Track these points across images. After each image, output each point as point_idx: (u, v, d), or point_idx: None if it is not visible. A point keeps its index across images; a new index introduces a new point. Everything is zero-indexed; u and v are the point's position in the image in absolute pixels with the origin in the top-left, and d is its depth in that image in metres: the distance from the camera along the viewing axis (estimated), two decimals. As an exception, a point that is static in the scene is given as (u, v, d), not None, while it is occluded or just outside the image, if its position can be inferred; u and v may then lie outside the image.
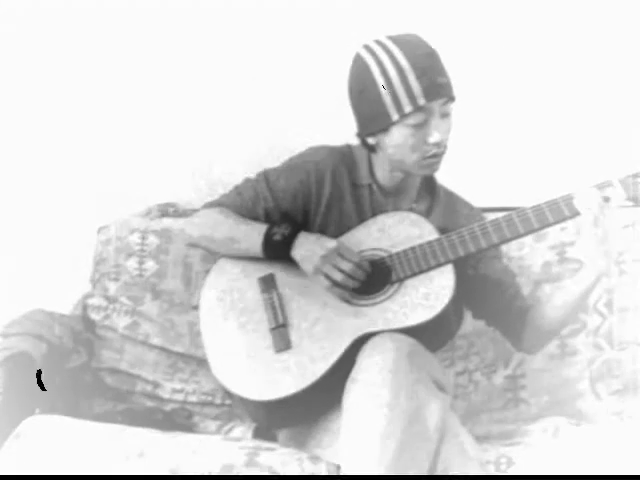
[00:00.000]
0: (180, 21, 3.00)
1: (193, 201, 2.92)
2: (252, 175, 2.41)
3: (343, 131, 2.35)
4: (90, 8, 2.99)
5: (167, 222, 2.84)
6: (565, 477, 2.12)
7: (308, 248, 2.25)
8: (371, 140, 2.28)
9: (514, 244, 2.63)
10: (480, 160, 2.93)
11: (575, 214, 2.15)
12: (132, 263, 2.81)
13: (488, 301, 2.40)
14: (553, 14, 2.91)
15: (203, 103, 3.03)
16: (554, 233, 2.71)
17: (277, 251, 2.29)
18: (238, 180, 2.42)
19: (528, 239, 2.65)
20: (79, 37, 3.00)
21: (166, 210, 2.87)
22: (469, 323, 2.46)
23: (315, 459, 2.18)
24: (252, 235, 2.31)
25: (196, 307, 2.47)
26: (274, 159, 2.44)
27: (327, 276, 2.22)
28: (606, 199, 2.11)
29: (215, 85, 3.02)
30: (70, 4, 2.99)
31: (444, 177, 2.38)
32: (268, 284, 2.32)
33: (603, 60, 2.91)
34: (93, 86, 3.02)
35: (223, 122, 3.03)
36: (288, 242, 2.27)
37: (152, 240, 2.82)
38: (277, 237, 2.28)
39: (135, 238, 2.82)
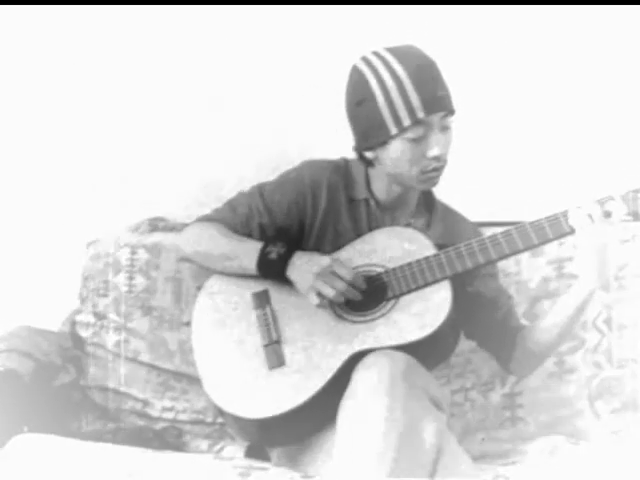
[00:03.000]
0: (178, 33, 2.98)
1: (185, 214, 2.88)
2: (246, 189, 2.39)
3: (345, 142, 2.32)
4: (92, 27, 2.98)
5: (157, 237, 2.80)
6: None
7: (303, 267, 2.23)
8: (369, 154, 2.26)
9: (511, 259, 2.60)
10: (479, 173, 2.92)
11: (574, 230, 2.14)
12: (121, 279, 2.77)
13: (481, 319, 2.38)
14: (554, 27, 2.91)
15: (197, 115, 3.01)
16: (552, 248, 2.68)
17: (272, 270, 2.26)
18: (232, 193, 2.40)
19: (525, 254, 2.63)
20: (76, 44, 2.98)
21: (156, 224, 2.84)
22: (465, 340, 2.44)
23: (308, 478, 2.16)
24: (246, 253, 2.29)
25: (187, 323, 2.45)
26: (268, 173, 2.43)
27: (320, 294, 2.20)
28: (607, 214, 2.10)
29: (210, 96, 3.00)
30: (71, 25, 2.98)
31: (441, 191, 2.36)
32: (262, 300, 2.29)
33: (604, 74, 2.90)
34: (84, 98, 2.99)
35: (220, 133, 3.01)
36: (283, 261, 2.25)
37: (142, 255, 2.78)
38: (272, 256, 2.26)
39: (124, 253, 2.78)
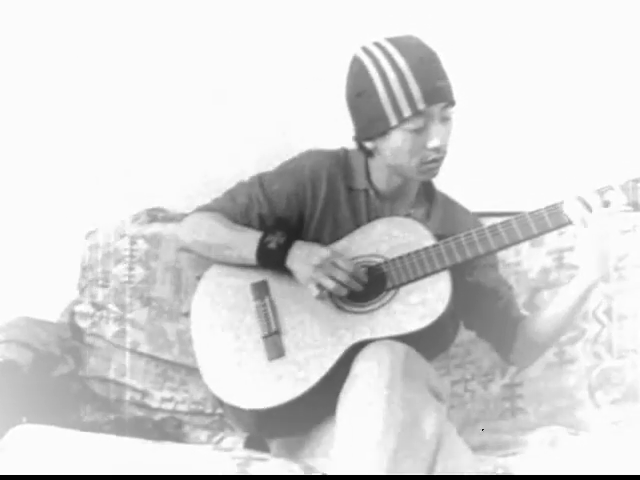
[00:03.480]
0: (181, 25, 2.98)
1: (184, 205, 2.88)
2: (245, 179, 2.38)
3: (346, 135, 2.31)
4: (90, 23, 2.97)
5: (156, 227, 2.81)
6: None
7: (303, 258, 2.22)
8: (369, 144, 2.25)
9: (511, 249, 2.60)
10: (479, 164, 2.92)
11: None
12: (121, 269, 2.78)
13: (481, 310, 2.37)
14: (553, 18, 2.91)
15: (198, 107, 3.01)
16: (552, 238, 2.68)
17: (271, 260, 2.25)
18: (231, 184, 2.39)
19: (525, 244, 2.62)
20: (75, 39, 2.98)
21: (155, 215, 2.84)
22: (465, 331, 2.43)
23: (308, 469, 2.15)
24: (246, 242, 2.28)
25: (186, 314, 2.44)
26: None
27: (320, 285, 2.19)
28: (606, 203, 2.08)
29: (212, 89, 3.00)
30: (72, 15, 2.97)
31: (442, 182, 2.36)
32: (261, 290, 2.29)
33: (603, 62, 2.91)
34: (88, 91, 2.99)
35: (220, 126, 3.01)
36: (283, 251, 2.24)
37: (141, 246, 2.79)
38: (272, 245, 2.25)
39: (124, 243, 2.79)
